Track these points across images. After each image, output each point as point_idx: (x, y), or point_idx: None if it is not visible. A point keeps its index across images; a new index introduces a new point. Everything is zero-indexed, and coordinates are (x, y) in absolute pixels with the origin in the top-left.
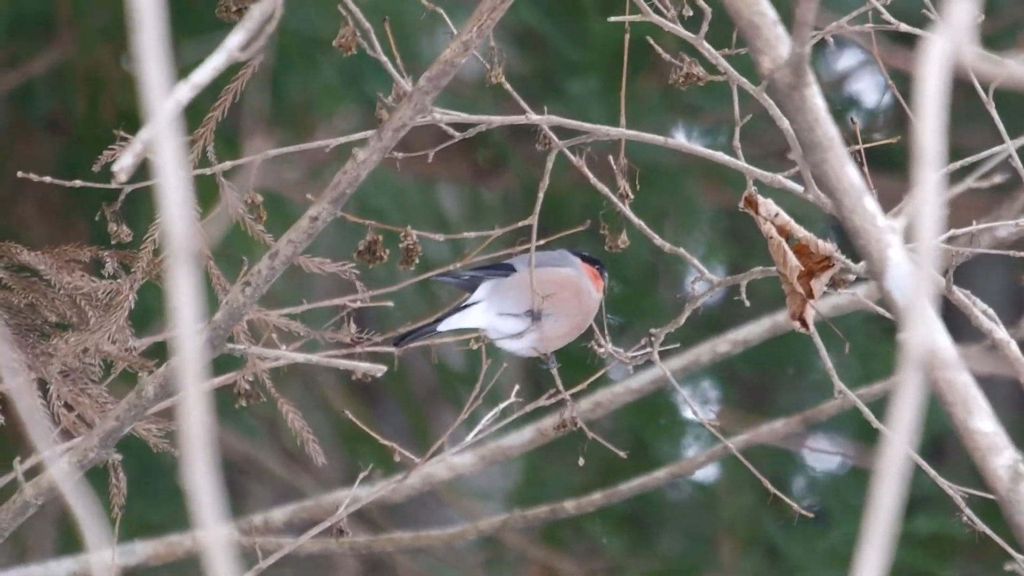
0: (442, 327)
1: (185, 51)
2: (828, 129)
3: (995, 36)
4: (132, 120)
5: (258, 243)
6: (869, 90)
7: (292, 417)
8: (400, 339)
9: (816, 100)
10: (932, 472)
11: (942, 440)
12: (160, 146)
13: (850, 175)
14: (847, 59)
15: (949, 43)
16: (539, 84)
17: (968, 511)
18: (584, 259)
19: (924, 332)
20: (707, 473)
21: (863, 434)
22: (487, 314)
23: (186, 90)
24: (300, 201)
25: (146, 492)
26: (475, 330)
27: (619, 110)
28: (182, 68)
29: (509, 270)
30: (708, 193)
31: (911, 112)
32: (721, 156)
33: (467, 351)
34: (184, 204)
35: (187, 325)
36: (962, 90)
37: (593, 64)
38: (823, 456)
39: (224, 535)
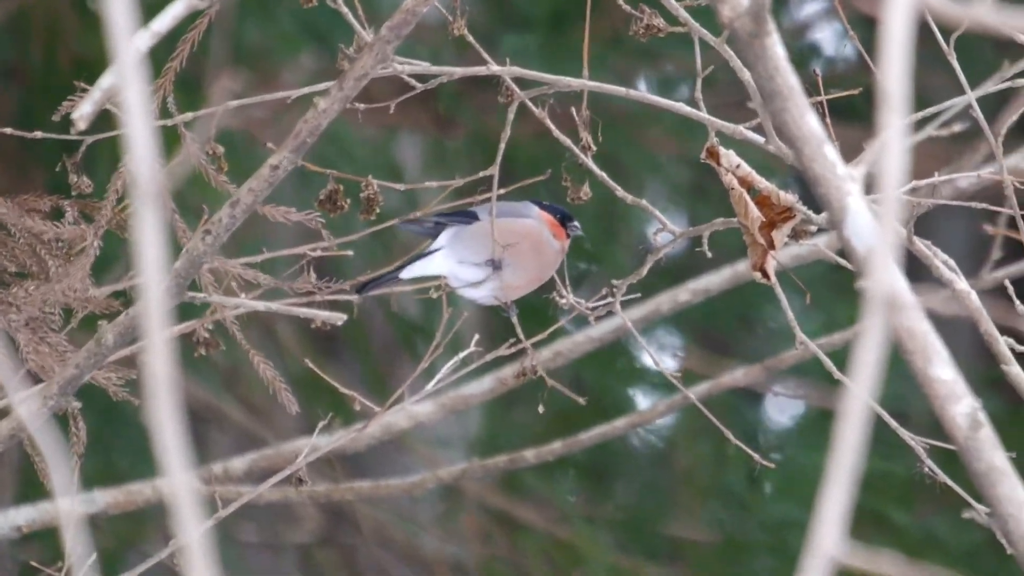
0: (404, 274)
1: None
2: (788, 78)
3: None
4: (91, 69)
5: (219, 192)
6: (831, 38)
7: (263, 367)
8: (362, 287)
9: (776, 49)
10: (893, 423)
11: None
12: (124, 92)
13: (810, 123)
14: (809, 7)
15: None
16: (488, 38)
17: (929, 462)
18: (544, 208)
19: (885, 278)
20: (667, 422)
21: (823, 384)
22: (448, 261)
23: (146, 38)
24: (266, 140)
25: (107, 442)
26: (437, 278)
27: (558, 64)
28: (147, 7)
29: (472, 218)
30: (668, 143)
31: (872, 60)
32: (683, 107)
33: (425, 301)
34: (149, 148)
35: (152, 270)
36: (921, 34)
37: (540, 16)
38: (784, 404)
39: (189, 482)
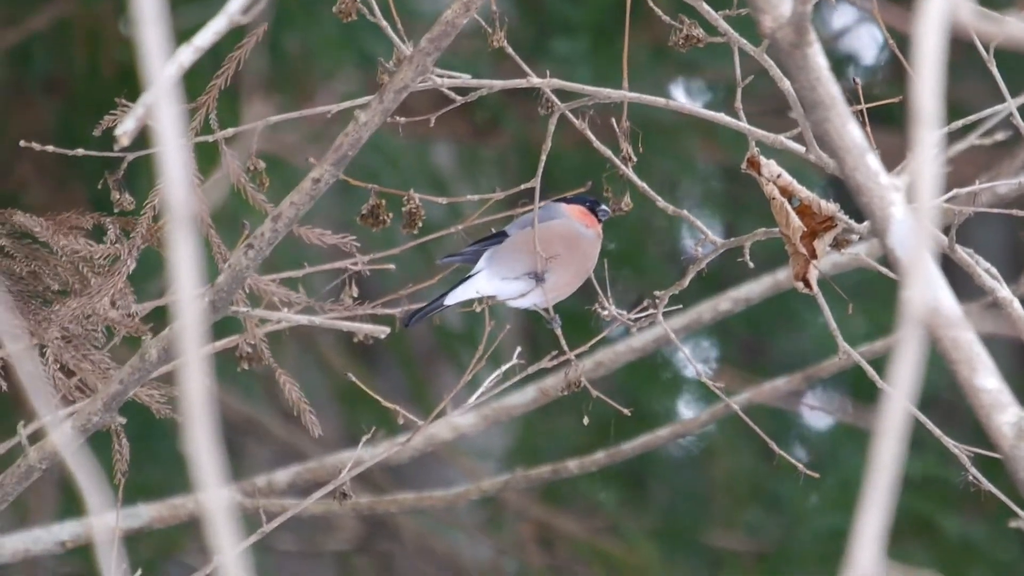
0: (448, 300)
1: (183, 16)
2: (830, 88)
3: None
4: (133, 79)
5: (256, 210)
6: (866, 47)
7: (289, 388)
8: (409, 318)
9: (818, 59)
10: (937, 431)
11: (946, 398)
12: (159, 111)
13: (852, 133)
14: (842, 16)
15: (947, 1)
16: (530, 43)
17: (973, 470)
18: (569, 202)
19: (926, 289)
20: (704, 430)
21: (862, 390)
22: (491, 282)
23: (188, 53)
24: (299, 164)
25: (149, 456)
26: (480, 298)
27: (605, 70)
28: (180, 33)
29: (503, 236)
30: (706, 151)
31: (910, 70)
32: (723, 118)
33: (466, 312)
34: (183, 169)
35: (187, 288)
36: (961, 45)
37: (585, 24)
38: (819, 413)
39: (224, 498)
